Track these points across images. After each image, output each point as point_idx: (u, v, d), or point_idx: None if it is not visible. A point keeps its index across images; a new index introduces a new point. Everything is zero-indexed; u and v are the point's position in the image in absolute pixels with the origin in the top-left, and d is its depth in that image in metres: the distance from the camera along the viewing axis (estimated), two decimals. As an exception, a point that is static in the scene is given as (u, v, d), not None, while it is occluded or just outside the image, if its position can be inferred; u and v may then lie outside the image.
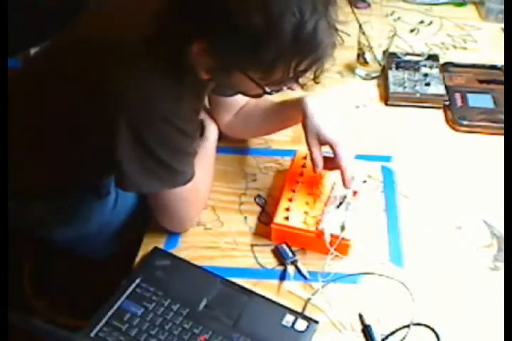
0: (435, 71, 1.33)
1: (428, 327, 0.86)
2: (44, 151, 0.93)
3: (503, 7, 1.52)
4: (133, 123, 0.80)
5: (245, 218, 1.03)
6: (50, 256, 1.22)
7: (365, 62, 1.32)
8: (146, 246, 0.96)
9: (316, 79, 0.82)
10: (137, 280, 0.90)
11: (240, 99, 1.10)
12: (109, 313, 0.85)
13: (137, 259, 0.95)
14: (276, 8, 0.71)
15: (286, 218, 0.95)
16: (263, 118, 1.10)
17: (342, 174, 0.94)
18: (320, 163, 0.96)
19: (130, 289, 0.88)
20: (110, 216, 1.07)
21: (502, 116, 1.21)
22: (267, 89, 0.82)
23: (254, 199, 1.06)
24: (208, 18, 0.74)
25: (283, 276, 0.93)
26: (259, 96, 0.88)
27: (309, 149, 0.97)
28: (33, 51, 1.55)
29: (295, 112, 0.99)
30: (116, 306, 0.86)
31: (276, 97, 0.98)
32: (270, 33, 0.72)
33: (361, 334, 0.86)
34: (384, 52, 1.30)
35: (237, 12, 0.72)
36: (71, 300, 1.23)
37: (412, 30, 1.53)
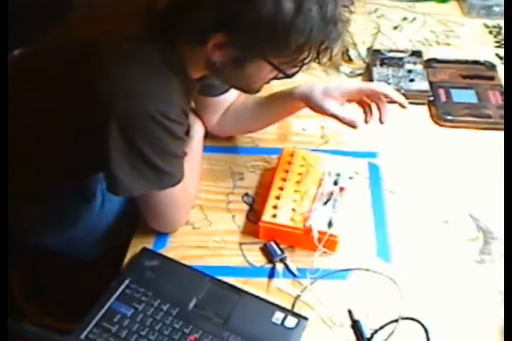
0: (419, 67, 1.34)
1: (416, 321, 0.87)
2: (32, 154, 0.93)
3: (484, 3, 1.55)
4: (123, 124, 0.79)
5: (233, 217, 1.03)
6: (39, 259, 1.22)
7: (350, 60, 1.33)
8: (135, 247, 0.96)
9: (332, 58, 0.83)
10: (126, 281, 0.89)
11: (227, 99, 1.10)
12: (99, 315, 0.85)
13: (126, 260, 0.94)
14: None
15: (274, 216, 0.95)
16: (256, 115, 1.10)
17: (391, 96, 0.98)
18: (355, 117, 0.96)
19: (119, 290, 0.88)
20: (97, 219, 1.07)
21: (486, 111, 1.23)
22: (288, 73, 0.83)
23: (242, 197, 1.06)
24: (231, 12, 0.73)
25: (272, 274, 0.93)
26: (258, 89, 0.91)
27: (334, 115, 0.97)
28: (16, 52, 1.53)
29: (294, 100, 1.01)
30: (106, 307, 0.86)
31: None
32: (300, 16, 0.73)
33: (351, 330, 0.86)
34: (368, 49, 1.31)
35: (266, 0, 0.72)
36: (61, 303, 1.22)
37: (395, 27, 1.53)
